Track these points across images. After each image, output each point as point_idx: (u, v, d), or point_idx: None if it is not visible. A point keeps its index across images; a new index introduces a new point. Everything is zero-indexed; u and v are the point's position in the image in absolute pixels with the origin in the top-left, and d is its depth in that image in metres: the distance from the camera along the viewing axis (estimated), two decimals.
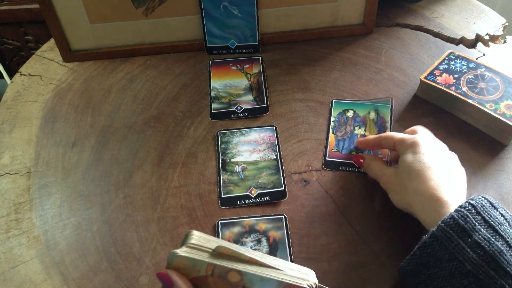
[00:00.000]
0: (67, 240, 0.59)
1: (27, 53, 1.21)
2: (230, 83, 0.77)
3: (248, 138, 0.68)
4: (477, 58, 0.79)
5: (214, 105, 0.73)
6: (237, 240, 0.57)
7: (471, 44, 0.82)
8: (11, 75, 1.24)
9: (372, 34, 0.84)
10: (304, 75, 0.78)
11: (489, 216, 0.44)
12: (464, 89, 0.68)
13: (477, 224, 0.44)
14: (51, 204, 0.62)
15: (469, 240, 0.43)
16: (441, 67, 0.72)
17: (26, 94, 0.76)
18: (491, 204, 0.46)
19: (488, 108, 0.65)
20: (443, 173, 0.51)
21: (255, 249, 0.57)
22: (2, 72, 1.23)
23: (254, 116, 0.72)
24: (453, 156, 0.56)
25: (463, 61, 0.72)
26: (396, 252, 0.56)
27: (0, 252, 0.57)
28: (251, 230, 0.58)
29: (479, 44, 0.82)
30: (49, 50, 0.84)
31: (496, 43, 0.83)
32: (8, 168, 0.66)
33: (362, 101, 0.72)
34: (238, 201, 0.61)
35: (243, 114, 0.72)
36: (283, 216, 0.59)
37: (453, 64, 0.72)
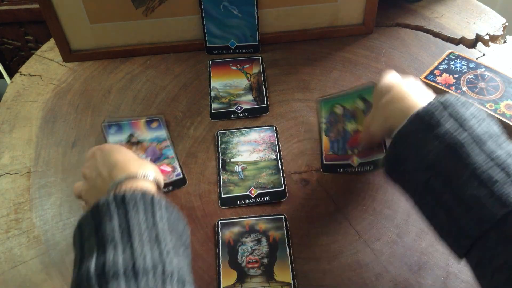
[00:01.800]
0: (67, 240, 0.58)
1: (27, 53, 1.21)
2: (230, 83, 0.76)
3: (248, 138, 0.68)
4: (477, 58, 0.79)
5: (214, 105, 0.73)
6: (237, 240, 0.57)
7: (471, 44, 0.82)
8: (11, 75, 1.24)
9: (372, 34, 0.84)
10: (304, 75, 0.78)
11: (456, 112, 0.44)
12: (464, 89, 0.68)
13: (442, 119, 0.44)
14: (51, 204, 0.62)
15: (432, 133, 0.43)
16: (441, 67, 0.72)
17: (26, 94, 0.76)
18: (462, 103, 0.45)
19: (488, 108, 0.65)
20: (407, 86, 0.52)
21: (254, 249, 0.57)
22: (2, 72, 1.23)
23: (254, 116, 0.72)
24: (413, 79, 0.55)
25: (463, 61, 0.73)
26: (396, 252, 0.56)
27: (0, 252, 0.57)
28: (251, 230, 0.58)
29: (479, 44, 0.82)
30: (49, 50, 0.84)
31: (496, 43, 0.83)
32: (8, 168, 0.66)
33: (346, 91, 0.68)
34: (238, 201, 0.61)
35: (243, 114, 0.72)
36: (283, 216, 0.59)
37: (453, 64, 0.72)
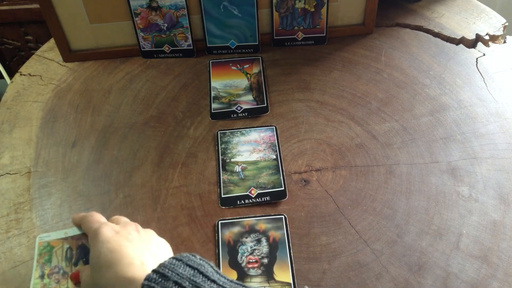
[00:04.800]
0: None
1: (27, 53, 1.21)
2: (230, 83, 0.76)
3: (248, 138, 0.68)
4: (477, 58, 0.79)
5: (214, 105, 0.73)
6: (237, 240, 0.57)
7: (471, 44, 0.82)
8: (11, 75, 1.24)
9: (372, 34, 0.84)
10: (304, 75, 0.78)
11: (179, 277, 0.42)
12: None
13: None
14: (51, 204, 0.62)
15: None
16: None
17: (26, 94, 0.77)
18: (184, 263, 0.43)
19: None
20: (135, 254, 0.46)
21: (254, 249, 0.57)
22: (2, 72, 1.23)
23: (254, 116, 0.72)
24: (149, 232, 0.52)
25: None
26: (396, 252, 0.56)
27: (0, 252, 0.57)
28: (251, 230, 0.58)
29: (479, 44, 0.82)
30: (49, 50, 0.84)
31: (496, 43, 0.83)
32: (8, 168, 0.66)
33: None
34: (238, 201, 0.61)
35: (243, 114, 0.72)
36: (283, 216, 0.59)
37: None
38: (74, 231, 0.54)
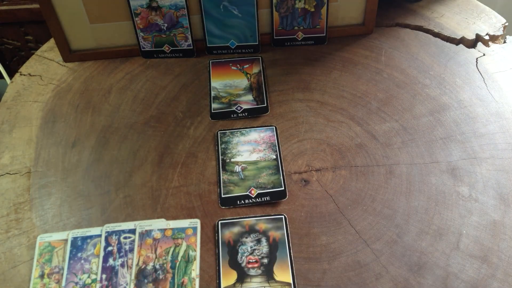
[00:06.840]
0: None
1: (27, 53, 1.21)
2: (230, 83, 0.77)
3: (248, 138, 0.69)
4: (477, 58, 0.79)
5: (214, 105, 0.73)
6: (237, 240, 0.57)
7: (471, 44, 0.82)
8: (11, 75, 1.24)
9: (372, 34, 0.84)
10: (304, 75, 0.78)
11: None
12: None
13: None
14: (51, 204, 0.62)
15: None
16: None
17: (26, 94, 0.77)
18: None
19: None
20: None
21: (254, 249, 0.57)
22: (2, 72, 1.23)
23: (254, 116, 0.72)
24: None
25: None
26: (396, 252, 0.56)
27: (0, 252, 0.57)
28: (251, 230, 0.58)
29: (479, 44, 0.82)
30: (49, 50, 0.84)
31: (496, 43, 0.83)
32: (8, 168, 0.66)
33: None
34: (238, 201, 0.61)
35: (243, 114, 0.72)
36: (283, 216, 0.59)
37: None
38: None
